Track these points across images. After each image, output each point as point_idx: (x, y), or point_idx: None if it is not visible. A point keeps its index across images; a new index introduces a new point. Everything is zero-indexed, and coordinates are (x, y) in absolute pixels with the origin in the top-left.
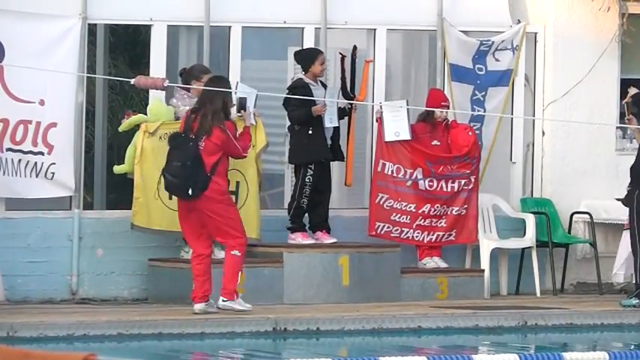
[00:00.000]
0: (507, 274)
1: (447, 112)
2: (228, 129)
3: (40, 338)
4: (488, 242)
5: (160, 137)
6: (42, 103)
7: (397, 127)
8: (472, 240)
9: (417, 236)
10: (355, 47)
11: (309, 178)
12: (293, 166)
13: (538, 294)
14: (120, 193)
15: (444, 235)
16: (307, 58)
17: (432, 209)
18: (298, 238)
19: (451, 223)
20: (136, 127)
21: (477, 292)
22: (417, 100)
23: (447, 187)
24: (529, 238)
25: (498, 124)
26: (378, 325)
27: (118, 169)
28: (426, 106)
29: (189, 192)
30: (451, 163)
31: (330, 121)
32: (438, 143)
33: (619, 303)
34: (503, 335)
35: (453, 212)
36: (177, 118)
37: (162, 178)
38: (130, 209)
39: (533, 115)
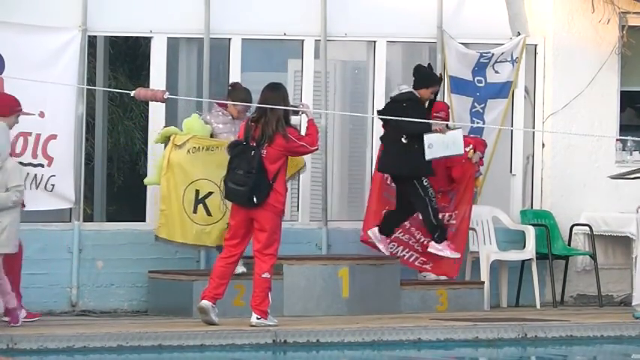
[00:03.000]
0: (507, 286)
1: (441, 123)
2: (290, 134)
3: (40, 350)
4: (488, 254)
5: (188, 151)
6: (42, 115)
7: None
8: (451, 276)
9: (392, 247)
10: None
11: (427, 182)
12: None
13: (538, 306)
14: (120, 205)
15: (418, 258)
16: (425, 79)
17: (410, 226)
18: (446, 250)
19: (426, 253)
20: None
21: (476, 304)
22: None
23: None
24: (529, 250)
25: (498, 136)
26: (378, 337)
27: (147, 180)
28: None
29: (255, 200)
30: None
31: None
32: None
33: (632, 315)
34: (503, 347)
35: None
36: (211, 136)
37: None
38: (130, 221)
39: (533, 127)
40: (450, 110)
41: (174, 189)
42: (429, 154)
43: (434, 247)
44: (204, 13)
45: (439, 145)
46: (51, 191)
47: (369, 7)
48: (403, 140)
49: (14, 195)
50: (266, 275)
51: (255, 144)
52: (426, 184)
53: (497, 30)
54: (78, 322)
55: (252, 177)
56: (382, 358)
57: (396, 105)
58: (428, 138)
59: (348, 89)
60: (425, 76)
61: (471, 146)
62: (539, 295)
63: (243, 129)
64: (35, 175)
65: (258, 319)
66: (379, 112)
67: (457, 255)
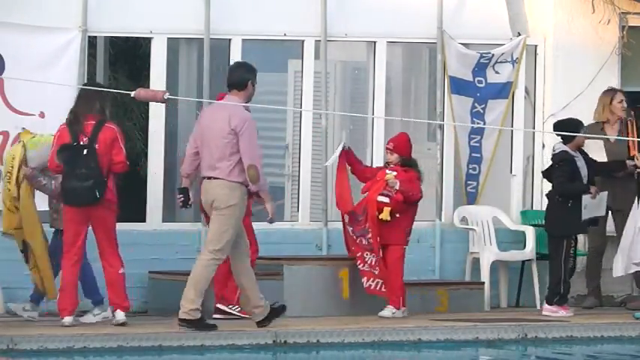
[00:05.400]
0: (507, 286)
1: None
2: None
3: (40, 351)
4: (488, 255)
5: None
6: (42, 115)
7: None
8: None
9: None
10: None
11: (574, 249)
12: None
13: (538, 306)
14: (120, 205)
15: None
16: (570, 129)
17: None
18: (561, 311)
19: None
20: None
21: (477, 304)
22: (416, 112)
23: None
24: (529, 251)
25: (498, 136)
26: (378, 337)
27: None
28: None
29: (97, 195)
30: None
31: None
32: None
33: (633, 315)
34: (504, 348)
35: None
36: None
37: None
38: (130, 221)
39: (533, 128)
40: (404, 141)
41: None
42: (584, 215)
43: (548, 310)
44: (204, 13)
45: (591, 206)
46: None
47: (369, 8)
48: (557, 198)
49: None
50: (122, 271)
51: (87, 141)
52: (572, 251)
53: (498, 30)
54: (78, 322)
55: (94, 171)
56: (382, 359)
57: (551, 166)
58: (584, 199)
59: (348, 90)
60: (569, 126)
61: (395, 173)
62: (540, 296)
63: (66, 132)
64: None
65: (124, 315)
66: (543, 173)
67: (571, 314)
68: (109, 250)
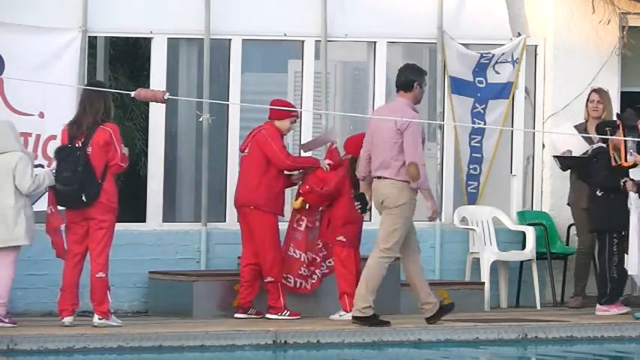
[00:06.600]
0: (507, 286)
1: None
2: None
3: (41, 351)
4: (488, 255)
5: None
6: (41, 115)
7: None
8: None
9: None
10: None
11: (617, 244)
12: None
13: (538, 306)
14: (120, 205)
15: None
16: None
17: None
18: (613, 309)
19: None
20: None
21: (477, 304)
22: None
23: None
24: (529, 251)
25: (499, 136)
26: (378, 337)
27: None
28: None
29: (84, 199)
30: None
31: None
32: None
33: (633, 315)
34: (504, 348)
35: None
36: None
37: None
38: (130, 222)
39: (534, 128)
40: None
41: None
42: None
43: (600, 310)
44: (204, 13)
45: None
46: None
47: (370, 8)
48: (598, 194)
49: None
50: (101, 275)
51: (80, 144)
52: (615, 247)
53: (498, 31)
54: (78, 322)
55: (79, 175)
56: (382, 359)
57: (589, 165)
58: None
59: (349, 90)
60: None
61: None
62: (540, 296)
63: (65, 134)
64: (36, 175)
65: (99, 319)
66: (579, 176)
67: (624, 311)
68: (95, 252)
